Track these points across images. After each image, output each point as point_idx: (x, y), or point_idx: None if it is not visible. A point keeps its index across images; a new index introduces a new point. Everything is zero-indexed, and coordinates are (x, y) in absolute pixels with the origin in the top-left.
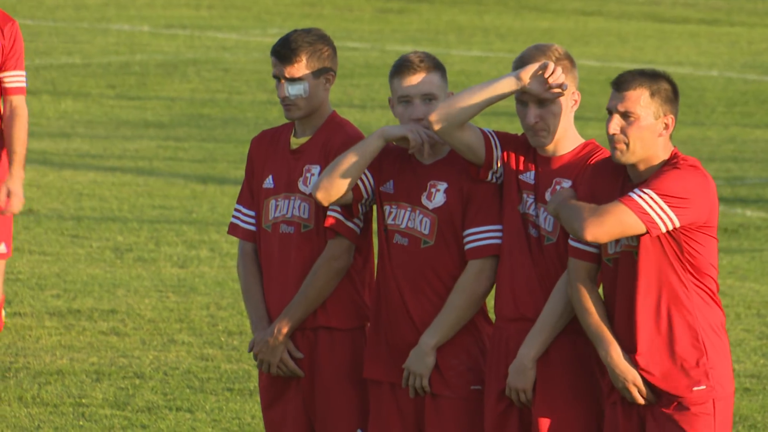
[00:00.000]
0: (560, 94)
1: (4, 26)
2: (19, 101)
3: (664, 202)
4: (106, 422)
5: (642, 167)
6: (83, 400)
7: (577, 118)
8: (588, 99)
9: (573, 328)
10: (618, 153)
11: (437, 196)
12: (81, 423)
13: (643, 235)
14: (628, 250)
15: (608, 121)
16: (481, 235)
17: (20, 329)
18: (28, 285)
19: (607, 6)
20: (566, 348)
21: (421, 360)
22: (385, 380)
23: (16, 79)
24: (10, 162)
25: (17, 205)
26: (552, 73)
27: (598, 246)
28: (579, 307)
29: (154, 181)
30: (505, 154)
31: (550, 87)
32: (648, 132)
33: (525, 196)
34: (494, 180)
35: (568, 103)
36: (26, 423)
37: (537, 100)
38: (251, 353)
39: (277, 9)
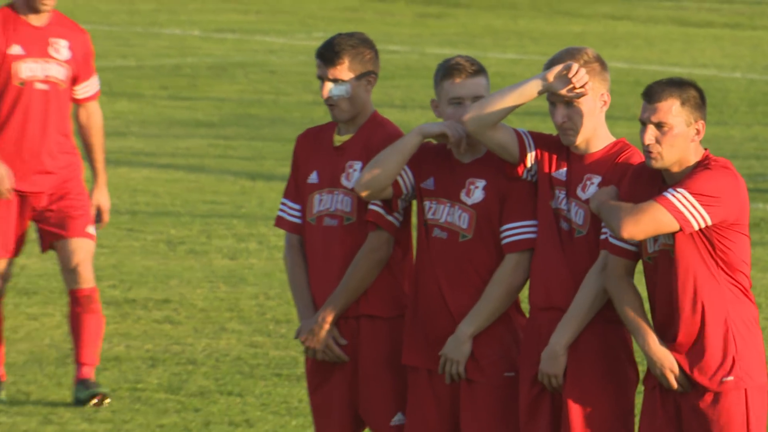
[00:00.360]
0: (582, 94)
1: (76, 39)
2: (93, 107)
3: (697, 200)
4: (161, 406)
5: (676, 170)
6: (139, 385)
7: (607, 117)
8: (617, 99)
9: (602, 318)
10: (653, 162)
11: (476, 192)
12: (137, 407)
13: (677, 232)
14: (665, 249)
15: (642, 132)
16: (518, 230)
17: None
18: None
19: (636, 11)
20: (596, 336)
21: (458, 348)
22: (422, 367)
23: (88, 87)
24: (94, 171)
25: (107, 216)
26: (575, 73)
27: (637, 244)
28: (618, 300)
29: (205, 178)
30: (538, 152)
31: (574, 87)
32: (681, 139)
33: (557, 192)
34: (529, 178)
35: (597, 104)
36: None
37: (565, 101)
38: (298, 340)
39: (322, 14)
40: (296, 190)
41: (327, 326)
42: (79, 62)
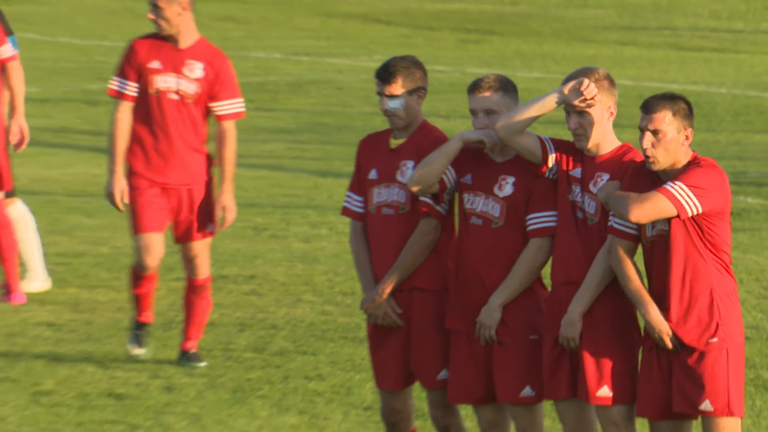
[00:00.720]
0: (591, 105)
1: (213, 62)
2: (228, 126)
3: (691, 191)
4: (248, 363)
5: (669, 169)
6: (230, 346)
7: (615, 125)
8: (624, 110)
9: (611, 291)
10: (652, 166)
11: (506, 187)
12: (228, 364)
13: (673, 218)
14: (662, 233)
15: (641, 138)
16: (541, 219)
17: (180, 291)
18: None
19: (639, 38)
20: (606, 305)
21: (490, 315)
22: (462, 330)
23: (225, 107)
24: (222, 176)
25: (231, 218)
26: (586, 87)
27: (637, 229)
28: (622, 276)
29: (284, 175)
30: (557, 155)
31: (585, 98)
32: (673, 144)
33: (573, 187)
34: (550, 176)
35: (605, 114)
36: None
37: (577, 111)
38: (362, 309)
39: (380, 39)
40: (359, 185)
41: (385, 297)
42: (211, 82)
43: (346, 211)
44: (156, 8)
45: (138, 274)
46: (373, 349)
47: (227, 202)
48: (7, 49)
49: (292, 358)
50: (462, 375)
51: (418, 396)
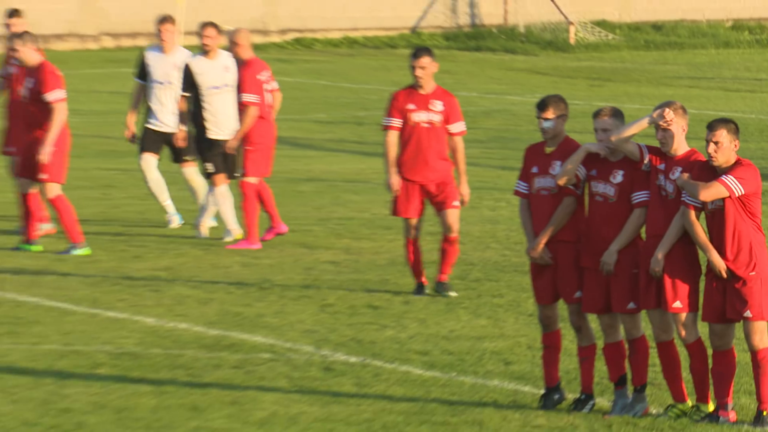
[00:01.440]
0: (670, 124)
1: (446, 100)
2: (459, 140)
3: (737, 181)
4: (457, 287)
5: (724, 166)
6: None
7: (687, 137)
8: (690, 129)
9: (682, 241)
10: (713, 162)
11: (618, 176)
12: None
13: (726, 198)
14: (719, 207)
15: (707, 146)
16: (640, 196)
17: (395, 248)
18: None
19: (700, 83)
20: (679, 250)
21: (609, 257)
22: (591, 267)
23: (456, 128)
24: (459, 173)
25: (467, 198)
26: (667, 113)
27: (701, 203)
28: (693, 232)
29: (478, 170)
30: (650, 156)
31: (666, 120)
32: (727, 150)
33: (660, 176)
34: (645, 169)
35: (679, 130)
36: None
37: (662, 127)
38: (526, 253)
39: (539, 84)
40: (525, 176)
41: (541, 246)
42: (447, 112)
43: (517, 193)
44: (420, 69)
45: (406, 245)
46: (533, 278)
47: (464, 190)
48: (248, 97)
49: (483, 283)
50: (590, 294)
51: (562, 308)
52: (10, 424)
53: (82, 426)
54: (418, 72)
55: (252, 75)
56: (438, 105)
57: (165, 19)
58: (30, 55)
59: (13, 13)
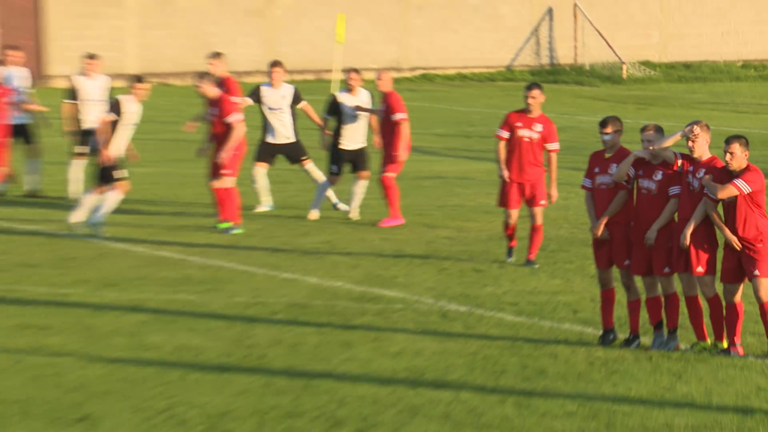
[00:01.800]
0: (697, 137)
1: (544, 123)
2: (554, 156)
3: (746, 182)
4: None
5: (738, 170)
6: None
7: (710, 147)
8: (712, 141)
9: (704, 224)
10: (729, 166)
11: (658, 175)
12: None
13: (737, 195)
14: (732, 200)
15: (725, 155)
16: (674, 190)
17: (494, 228)
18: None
19: (718, 107)
20: (702, 230)
21: (651, 234)
22: (638, 242)
23: (553, 146)
24: (551, 175)
25: (555, 198)
26: (694, 129)
27: (720, 199)
28: (712, 216)
29: (560, 172)
30: (682, 161)
31: (694, 134)
32: (740, 158)
33: (690, 176)
34: (678, 170)
35: (704, 142)
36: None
37: (691, 140)
38: (590, 231)
39: (600, 108)
40: (590, 174)
41: (602, 226)
42: (545, 133)
43: (583, 187)
44: (531, 98)
45: (505, 225)
46: (595, 249)
47: (554, 192)
48: (399, 116)
49: (557, 253)
50: (637, 261)
51: (615, 271)
52: (211, 354)
53: (263, 357)
54: (530, 100)
55: (398, 100)
56: (539, 126)
57: (275, 63)
58: (209, 89)
59: (215, 55)
